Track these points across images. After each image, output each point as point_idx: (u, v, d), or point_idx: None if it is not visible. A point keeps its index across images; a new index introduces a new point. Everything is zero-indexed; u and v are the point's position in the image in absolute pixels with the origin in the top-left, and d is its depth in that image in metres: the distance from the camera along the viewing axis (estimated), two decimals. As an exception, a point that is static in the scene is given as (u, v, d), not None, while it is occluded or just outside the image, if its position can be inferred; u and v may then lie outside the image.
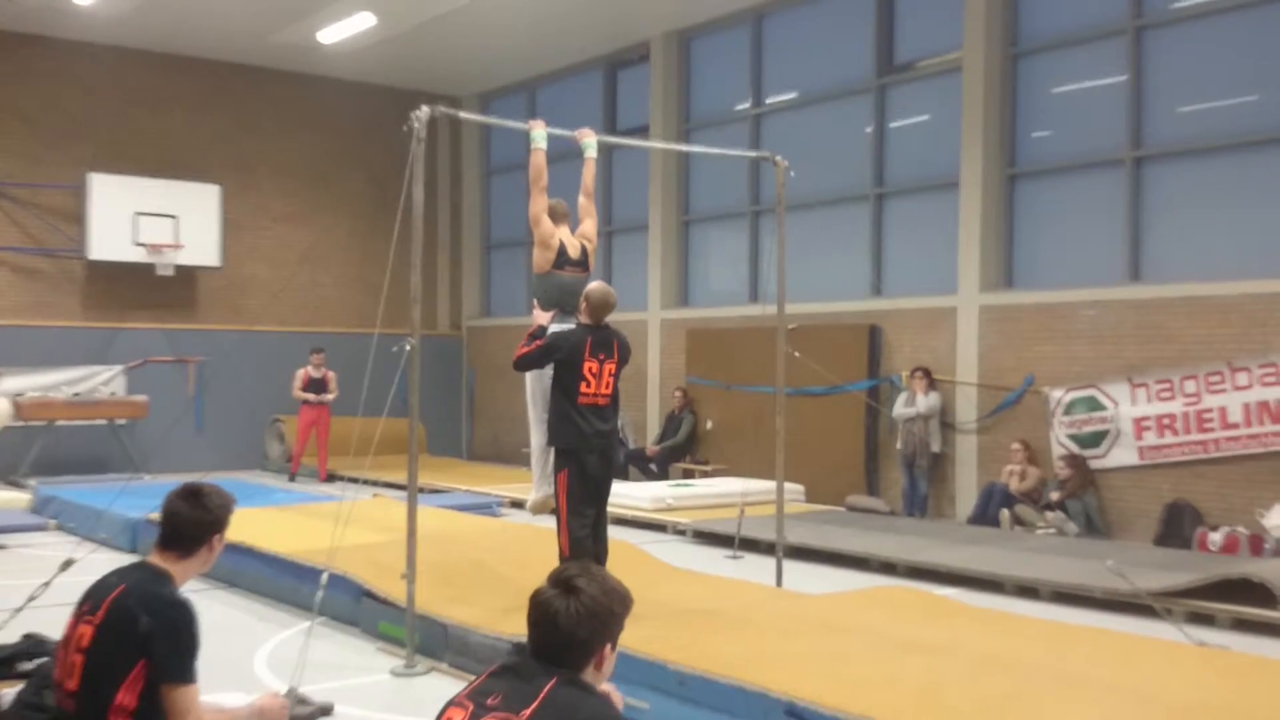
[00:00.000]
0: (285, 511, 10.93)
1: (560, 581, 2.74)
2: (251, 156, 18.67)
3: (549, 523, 12.68)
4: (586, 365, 6.80)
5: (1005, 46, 12.87)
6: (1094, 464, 11.62)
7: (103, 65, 17.35)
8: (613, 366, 6.92)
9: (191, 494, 3.79)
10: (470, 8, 15.35)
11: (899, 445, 13.02)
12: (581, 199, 7.61)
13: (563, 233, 7.33)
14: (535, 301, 7.42)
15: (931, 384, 12.83)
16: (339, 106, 19.24)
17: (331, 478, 16.22)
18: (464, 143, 20.69)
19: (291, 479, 16.25)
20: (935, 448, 12.79)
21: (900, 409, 12.93)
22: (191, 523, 3.74)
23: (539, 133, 7.43)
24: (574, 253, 7.33)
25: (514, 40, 17.07)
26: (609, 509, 7.23)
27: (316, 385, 16.44)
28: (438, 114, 7.24)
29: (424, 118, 6.99)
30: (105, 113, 17.48)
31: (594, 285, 7.04)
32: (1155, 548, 10.54)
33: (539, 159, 7.32)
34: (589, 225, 7.55)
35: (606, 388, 6.89)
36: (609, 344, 6.97)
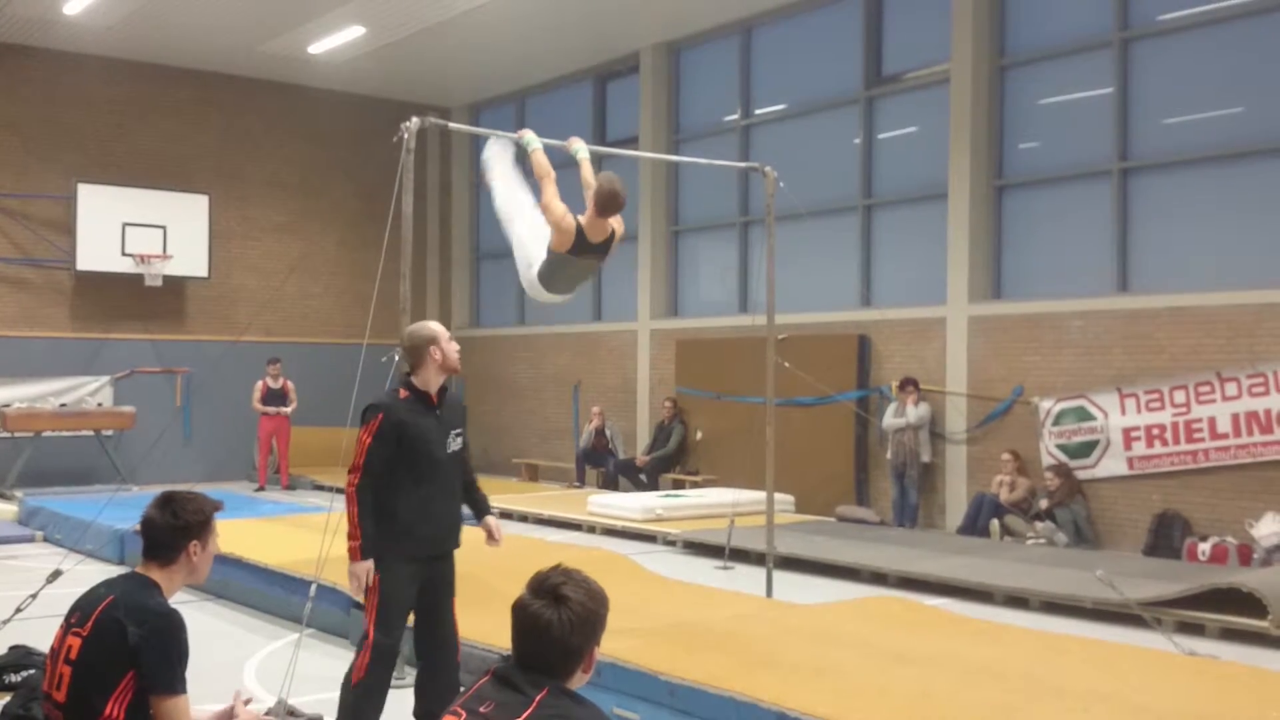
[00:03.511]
0: (274, 523, 10.90)
1: (546, 590, 2.71)
2: (240, 167, 18.65)
3: (540, 532, 12.67)
4: None
5: (993, 58, 12.93)
6: (1084, 474, 11.63)
7: (92, 76, 17.32)
8: None
9: (165, 502, 3.74)
10: (460, 19, 15.37)
11: (889, 455, 13.02)
12: (588, 195, 7.36)
13: (596, 224, 6.69)
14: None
15: (920, 395, 12.83)
16: (328, 117, 19.23)
17: (293, 486, 16.84)
18: (453, 153, 20.70)
19: (260, 489, 16.35)
20: (925, 458, 12.80)
21: (890, 419, 12.94)
22: (164, 530, 3.70)
23: (531, 135, 7.35)
24: (595, 237, 6.70)
25: (504, 51, 17.09)
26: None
27: (275, 396, 16.76)
28: (427, 124, 7.24)
29: (414, 128, 6.99)
30: (94, 123, 17.45)
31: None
32: (1145, 558, 10.57)
33: (539, 157, 7.02)
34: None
35: None
36: None
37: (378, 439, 5.04)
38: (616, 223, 6.88)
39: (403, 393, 5.23)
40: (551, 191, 6.76)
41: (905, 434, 12.76)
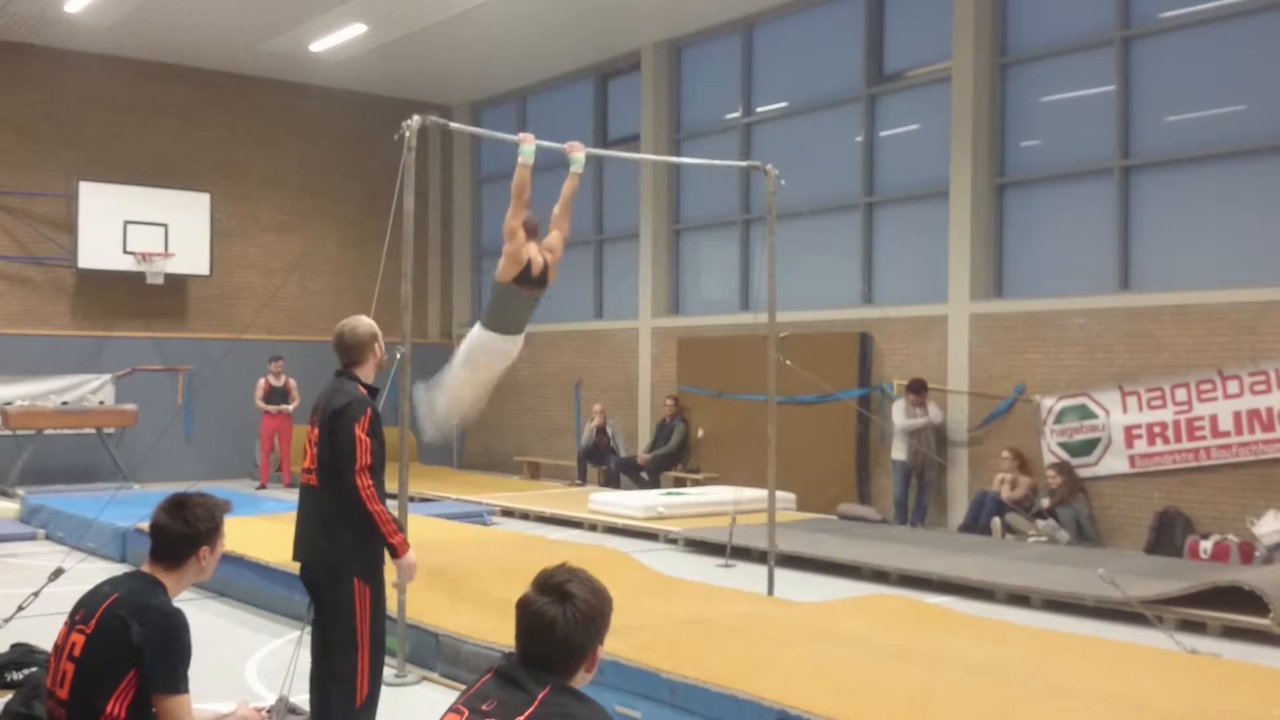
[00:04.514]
0: (276, 520, 10.87)
1: (551, 588, 2.72)
2: (242, 165, 18.65)
3: (541, 530, 12.68)
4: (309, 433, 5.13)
5: (994, 56, 12.92)
6: (1085, 472, 11.63)
7: (93, 74, 17.32)
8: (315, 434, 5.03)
9: (175, 507, 3.73)
10: (461, 17, 15.37)
11: (902, 457, 12.70)
12: (557, 209, 7.75)
13: (530, 249, 7.49)
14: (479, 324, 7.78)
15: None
16: (330, 115, 19.23)
17: (295, 484, 16.56)
18: (455, 152, 20.69)
19: (262, 487, 16.30)
20: (940, 458, 12.72)
21: (904, 421, 12.72)
22: (177, 537, 3.71)
23: (528, 147, 7.47)
24: (536, 270, 7.50)
25: (505, 49, 17.09)
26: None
27: (277, 394, 16.78)
28: (429, 123, 7.25)
29: (415, 127, 7.00)
30: (95, 121, 17.45)
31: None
32: (1146, 555, 10.57)
33: (524, 174, 7.45)
34: (555, 237, 7.74)
35: (311, 461, 5.03)
36: (318, 405, 5.10)
37: (373, 436, 4.85)
38: (550, 256, 7.58)
39: (361, 389, 5.00)
40: (519, 219, 7.36)
41: (922, 435, 12.65)
